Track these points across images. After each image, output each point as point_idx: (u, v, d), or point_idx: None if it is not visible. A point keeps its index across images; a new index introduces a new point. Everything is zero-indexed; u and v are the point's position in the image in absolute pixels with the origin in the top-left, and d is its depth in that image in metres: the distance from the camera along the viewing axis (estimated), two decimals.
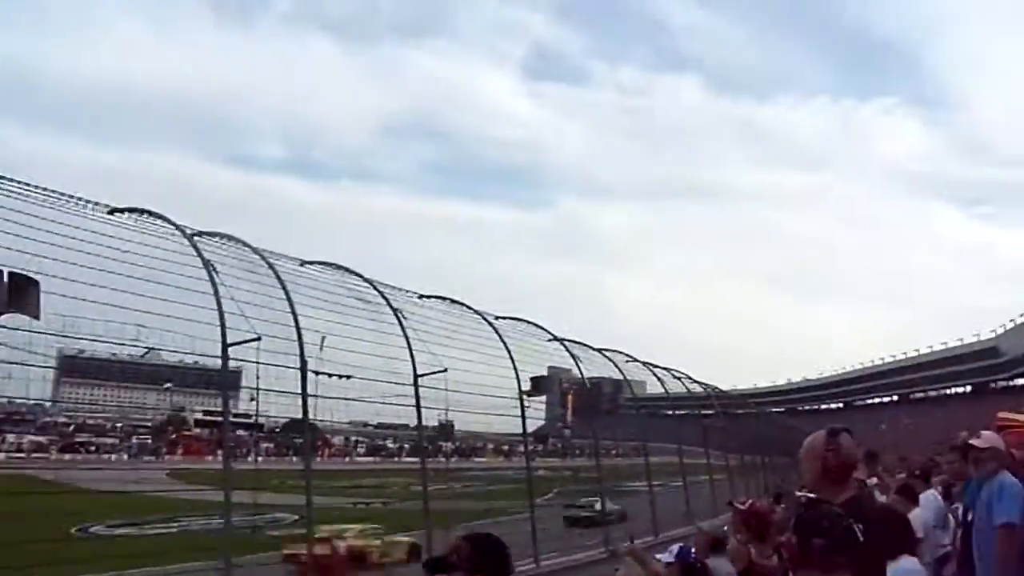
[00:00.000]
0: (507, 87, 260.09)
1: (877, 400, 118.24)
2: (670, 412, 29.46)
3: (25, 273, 8.54)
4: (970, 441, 6.35)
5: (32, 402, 29.80)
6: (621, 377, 21.60)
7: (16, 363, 9.76)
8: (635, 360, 22.48)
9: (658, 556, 5.64)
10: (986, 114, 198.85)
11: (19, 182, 9.31)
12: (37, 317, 8.63)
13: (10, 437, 41.86)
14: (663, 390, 25.22)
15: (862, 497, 3.97)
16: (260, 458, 24.49)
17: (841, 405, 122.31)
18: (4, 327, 8.80)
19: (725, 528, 6.28)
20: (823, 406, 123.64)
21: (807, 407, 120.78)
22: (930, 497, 7.93)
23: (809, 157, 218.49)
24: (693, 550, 5.43)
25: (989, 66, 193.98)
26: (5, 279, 8.29)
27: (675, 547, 5.53)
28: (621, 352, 21.45)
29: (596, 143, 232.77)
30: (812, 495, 3.68)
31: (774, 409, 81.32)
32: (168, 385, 45.78)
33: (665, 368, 24.83)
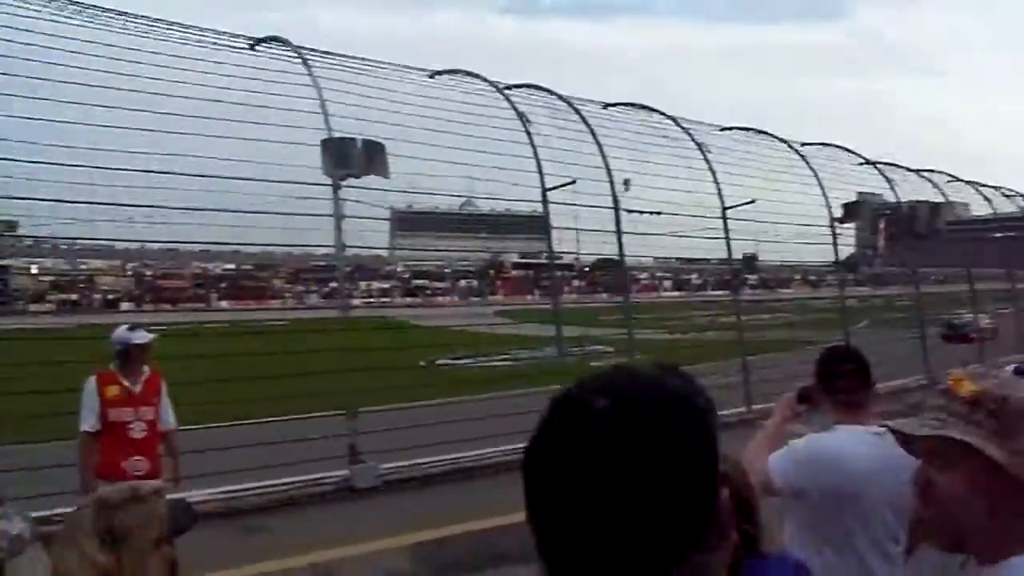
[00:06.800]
0: None
1: None
2: (999, 235, 27.14)
3: (373, 139, 9.73)
4: None
5: (375, 253, 33.39)
6: (941, 199, 20.15)
7: (367, 218, 11.17)
8: (958, 180, 20.85)
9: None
10: None
11: (356, 57, 10.53)
12: (387, 176, 9.85)
13: (361, 284, 47.88)
14: (991, 211, 23.19)
15: None
16: (573, 295, 26.00)
17: None
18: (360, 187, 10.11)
19: None
20: None
21: None
22: None
23: None
24: None
25: None
26: (360, 145, 9.53)
27: (1011, 366, 5.53)
28: (942, 172, 20.00)
29: None
30: None
31: None
32: (484, 234, 49.67)
33: (994, 187, 22.79)
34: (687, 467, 0.86)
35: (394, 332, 20.14)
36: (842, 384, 3.02)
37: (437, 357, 21.19)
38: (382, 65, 10.87)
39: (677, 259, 35.64)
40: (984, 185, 22.16)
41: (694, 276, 52.70)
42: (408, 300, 48.35)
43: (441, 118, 10.70)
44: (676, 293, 53.40)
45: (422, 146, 10.75)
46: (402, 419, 9.50)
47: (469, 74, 11.56)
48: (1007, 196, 23.44)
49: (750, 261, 18.66)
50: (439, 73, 11.50)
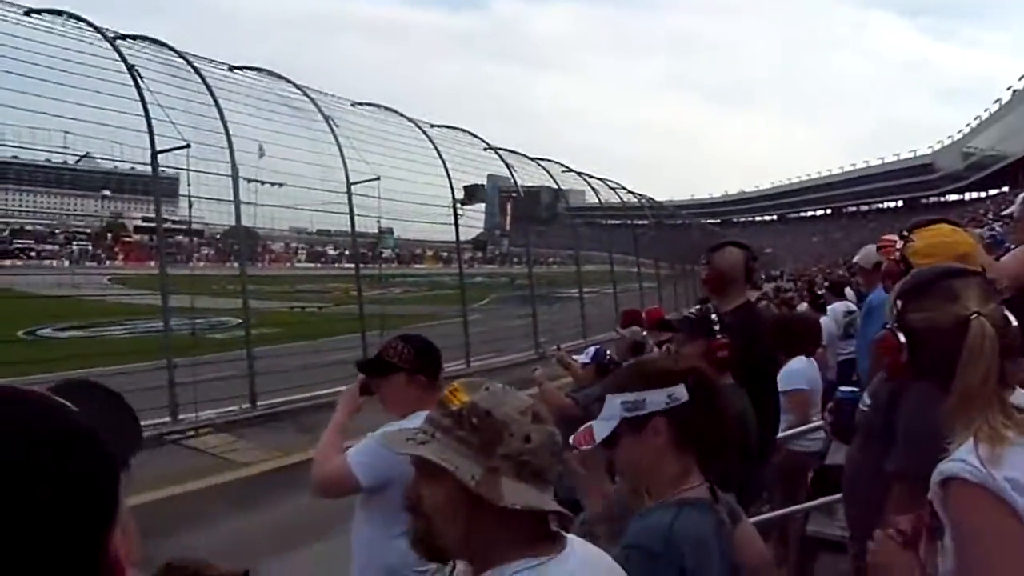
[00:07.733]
0: None
1: (811, 213, 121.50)
2: (604, 222, 30.33)
3: None
4: (854, 259, 6.91)
5: None
6: (557, 187, 21.96)
7: None
8: (571, 170, 22.80)
9: (576, 357, 6.12)
10: None
11: None
12: None
13: None
14: (598, 200, 25.81)
15: (753, 307, 4.24)
16: (202, 263, 24.73)
17: (775, 217, 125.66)
18: None
19: (644, 333, 6.66)
20: (757, 218, 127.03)
21: (742, 219, 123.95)
22: (839, 308, 8.58)
23: None
24: (609, 352, 5.89)
25: None
26: None
27: (591, 349, 5.99)
28: (557, 162, 21.71)
29: None
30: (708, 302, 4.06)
31: (709, 221, 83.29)
32: (105, 192, 45.05)
33: (600, 179, 25.30)
34: (49, 512, 0.72)
35: None
36: None
37: (39, 327, 19.31)
38: None
39: (317, 231, 35.45)
40: (593, 176, 24.55)
41: (330, 248, 52.67)
42: (8, 263, 42.45)
43: (40, 63, 9.57)
44: (310, 265, 53.27)
45: (13, 93, 9.58)
46: None
47: (73, 16, 10.42)
48: (611, 188, 26.13)
49: (384, 236, 19.01)
50: (36, 12, 10.23)
